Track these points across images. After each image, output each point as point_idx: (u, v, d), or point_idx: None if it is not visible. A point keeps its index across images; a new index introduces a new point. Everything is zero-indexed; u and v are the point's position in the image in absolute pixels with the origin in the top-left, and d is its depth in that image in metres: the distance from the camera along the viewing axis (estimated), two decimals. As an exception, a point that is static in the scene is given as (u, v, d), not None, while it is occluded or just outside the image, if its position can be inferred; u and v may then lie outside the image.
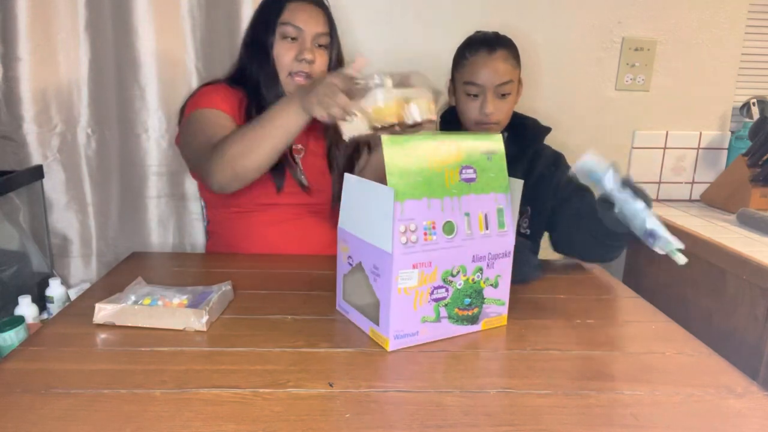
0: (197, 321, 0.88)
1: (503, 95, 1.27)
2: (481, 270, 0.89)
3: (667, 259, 0.97)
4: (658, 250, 0.93)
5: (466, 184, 0.86)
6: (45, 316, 1.43)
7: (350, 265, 0.93)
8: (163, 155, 1.61)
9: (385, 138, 0.81)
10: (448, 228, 0.84)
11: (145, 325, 0.88)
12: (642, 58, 1.74)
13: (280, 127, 1.04)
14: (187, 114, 1.26)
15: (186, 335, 0.87)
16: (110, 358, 0.81)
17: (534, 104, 1.69)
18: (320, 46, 1.26)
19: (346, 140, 0.98)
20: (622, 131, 1.79)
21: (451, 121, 1.39)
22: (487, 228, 0.88)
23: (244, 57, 1.30)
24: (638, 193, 0.95)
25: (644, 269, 1.65)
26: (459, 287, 0.87)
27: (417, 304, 0.84)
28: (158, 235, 1.65)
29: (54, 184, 1.60)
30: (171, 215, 1.65)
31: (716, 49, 1.76)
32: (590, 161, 0.96)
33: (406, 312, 0.84)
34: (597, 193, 1.00)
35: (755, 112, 1.75)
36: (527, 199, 1.20)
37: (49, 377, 0.74)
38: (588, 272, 1.22)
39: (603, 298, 1.10)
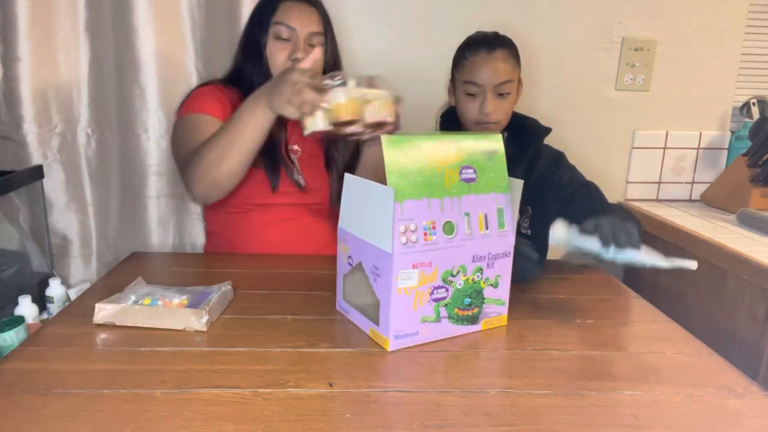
0: (197, 321, 0.88)
1: (503, 95, 1.27)
2: (481, 270, 0.89)
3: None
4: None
5: (466, 184, 0.86)
6: (45, 316, 1.43)
7: (350, 265, 0.93)
8: (163, 155, 1.60)
9: (385, 138, 0.81)
10: (448, 228, 0.84)
11: (145, 325, 0.88)
12: (642, 58, 1.74)
13: (249, 128, 1.06)
14: (177, 117, 1.27)
15: (186, 335, 0.87)
16: (110, 358, 0.81)
17: (534, 104, 1.69)
18: (314, 45, 1.25)
19: (306, 135, 1.01)
20: (622, 131, 1.79)
21: (451, 122, 1.39)
22: (487, 228, 0.88)
23: (240, 57, 1.31)
24: (624, 241, 0.92)
25: (643, 269, 1.65)
26: (459, 287, 0.87)
27: (417, 304, 0.84)
28: (158, 235, 1.65)
29: (54, 184, 1.60)
30: (171, 215, 1.65)
31: (716, 49, 1.76)
32: (559, 236, 0.96)
33: (406, 312, 0.84)
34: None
35: (755, 112, 1.75)
36: (528, 199, 1.20)
37: (49, 377, 0.74)
38: (588, 272, 1.22)
39: (603, 298, 1.10)
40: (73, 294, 1.48)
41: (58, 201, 1.61)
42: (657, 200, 1.85)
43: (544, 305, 1.04)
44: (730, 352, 0.94)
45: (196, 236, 1.66)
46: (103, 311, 0.89)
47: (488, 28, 1.33)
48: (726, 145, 1.83)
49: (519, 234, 0.95)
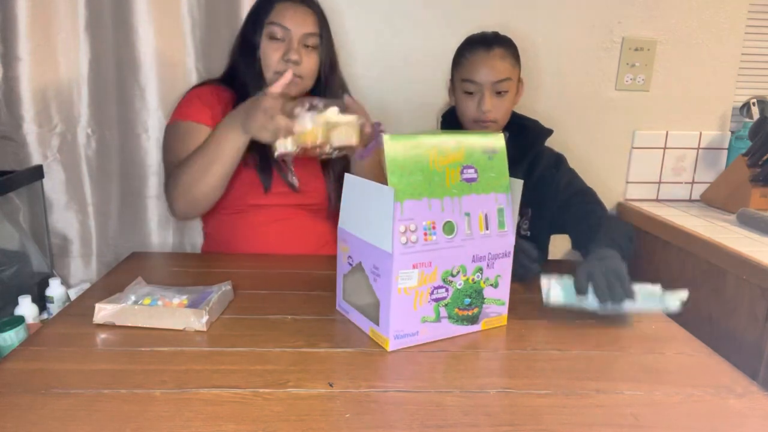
0: (197, 321, 0.88)
1: (501, 93, 1.27)
2: (481, 270, 0.89)
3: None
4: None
5: (466, 184, 0.86)
6: (45, 316, 1.43)
7: (350, 265, 0.93)
8: (163, 155, 1.60)
9: (386, 137, 0.81)
10: (448, 228, 0.84)
11: (145, 325, 0.88)
12: (642, 58, 1.74)
13: (225, 151, 1.10)
14: (168, 122, 1.29)
15: (186, 335, 0.87)
16: (110, 358, 0.81)
17: (534, 104, 1.69)
18: (308, 46, 1.25)
19: (276, 156, 1.06)
20: (622, 131, 1.79)
21: (451, 122, 1.39)
22: (487, 228, 0.88)
23: (234, 56, 1.31)
24: (620, 295, 0.93)
25: (644, 269, 1.65)
26: (459, 287, 0.87)
27: (417, 304, 0.84)
28: (158, 235, 1.64)
29: (54, 184, 1.60)
30: (171, 215, 1.65)
31: (716, 49, 1.76)
32: (555, 296, 0.97)
33: (406, 312, 0.84)
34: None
35: (755, 112, 1.75)
36: (528, 201, 1.21)
37: (49, 377, 0.74)
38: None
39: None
40: (73, 294, 1.48)
41: (58, 201, 1.61)
42: (657, 200, 1.85)
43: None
44: (730, 352, 0.94)
45: (196, 236, 1.66)
46: (103, 311, 0.89)
47: (488, 28, 1.33)
48: (726, 145, 1.83)
49: (518, 236, 0.95)
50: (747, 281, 1.26)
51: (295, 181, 1.29)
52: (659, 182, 1.84)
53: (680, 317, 0.99)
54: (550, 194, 1.31)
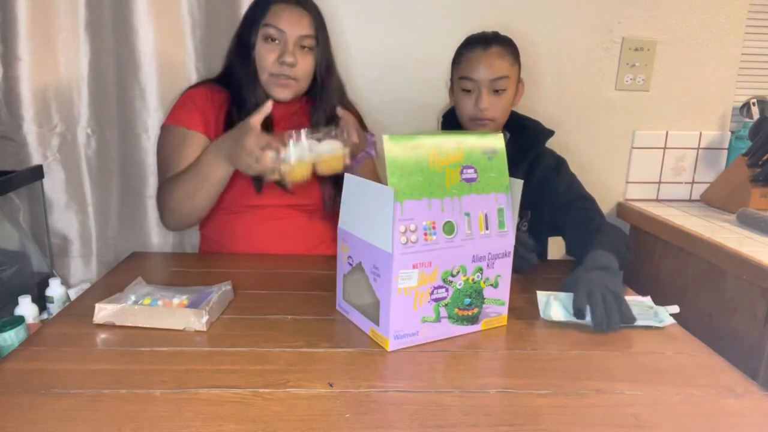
0: (197, 321, 0.88)
1: (498, 91, 1.27)
2: (481, 270, 0.89)
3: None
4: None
5: (466, 184, 0.86)
6: (45, 316, 1.43)
7: (350, 265, 0.93)
8: (163, 155, 1.60)
9: (386, 137, 0.81)
10: (448, 228, 0.84)
11: (145, 325, 0.88)
12: (642, 58, 1.74)
13: (211, 179, 1.14)
14: (164, 122, 1.29)
15: (186, 335, 0.87)
16: (110, 358, 0.81)
17: (534, 104, 1.69)
18: (304, 47, 1.25)
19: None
20: (622, 131, 1.79)
21: (452, 122, 1.39)
22: (487, 228, 0.88)
23: (231, 57, 1.31)
24: (617, 320, 0.93)
25: (644, 269, 1.65)
26: (459, 287, 0.87)
27: (417, 304, 0.84)
28: (158, 235, 1.65)
29: (54, 184, 1.60)
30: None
31: (716, 49, 1.76)
32: (554, 315, 0.97)
33: (406, 312, 0.84)
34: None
35: (755, 112, 1.75)
36: (527, 202, 1.21)
37: (49, 377, 0.74)
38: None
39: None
40: (73, 294, 1.48)
41: (58, 201, 1.61)
42: (657, 200, 1.85)
43: (544, 305, 1.03)
44: (730, 352, 0.94)
45: (196, 236, 1.65)
46: (103, 311, 0.89)
47: (488, 28, 1.33)
48: (726, 145, 1.82)
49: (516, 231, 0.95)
50: (747, 281, 1.26)
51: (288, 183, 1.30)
52: (659, 182, 1.84)
53: (680, 317, 0.99)
54: (550, 197, 1.31)
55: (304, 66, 1.25)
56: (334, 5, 1.59)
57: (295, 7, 1.23)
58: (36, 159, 1.56)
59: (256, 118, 1.05)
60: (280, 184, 1.28)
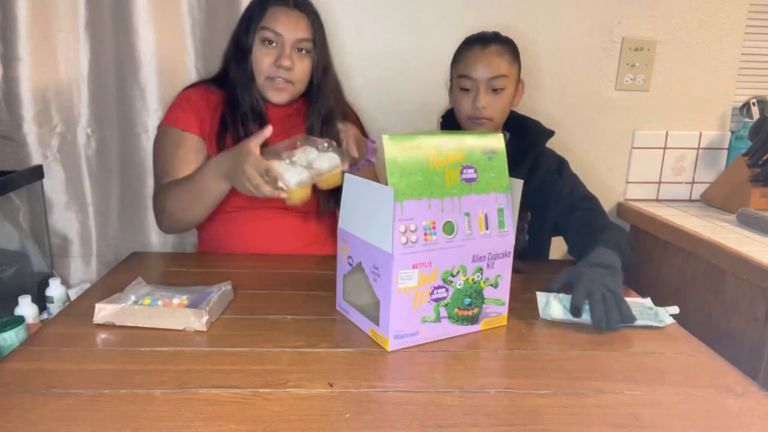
0: (197, 321, 0.88)
1: (497, 90, 1.26)
2: (481, 270, 0.89)
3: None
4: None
5: (466, 184, 0.86)
6: (45, 316, 1.43)
7: (350, 265, 0.93)
8: (163, 155, 1.60)
9: (386, 137, 0.81)
10: (448, 228, 0.84)
11: (145, 325, 0.88)
12: (642, 58, 1.74)
13: (209, 193, 1.16)
14: (160, 123, 1.30)
15: (186, 335, 0.87)
16: (110, 358, 0.81)
17: (534, 104, 1.69)
18: (302, 51, 1.24)
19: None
20: (622, 131, 1.79)
21: (451, 122, 1.39)
22: (487, 228, 0.88)
23: (227, 58, 1.30)
24: (616, 320, 0.93)
25: (644, 269, 1.65)
26: (459, 287, 0.87)
27: (417, 304, 0.84)
28: (158, 235, 1.65)
29: (54, 184, 1.60)
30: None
31: (716, 49, 1.76)
32: (554, 313, 0.97)
33: (406, 312, 0.84)
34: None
35: (755, 112, 1.75)
36: (528, 204, 1.20)
37: (49, 377, 0.74)
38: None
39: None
40: (73, 294, 1.48)
41: (58, 201, 1.61)
42: (657, 200, 1.85)
43: (544, 305, 1.03)
44: (730, 352, 0.94)
45: (196, 236, 1.66)
46: (103, 311, 0.89)
47: (488, 28, 1.33)
48: (726, 145, 1.82)
49: (517, 239, 0.95)
50: (747, 281, 1.26)
51: None
52: (659, 182, 1.84)
53: (680, 317, 0.99)
54: (552, 199, 1.31)
55: (300, 69, 1.25)
56: (334, 5, 1.59)
57: (292, 10, 1.23)
58: (36, 159, 1.56)
59: (254, 142, 1.04)
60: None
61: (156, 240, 1.65)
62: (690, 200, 1.86)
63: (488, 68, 1.24)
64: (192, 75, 1.57)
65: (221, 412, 0.67)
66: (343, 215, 0.94)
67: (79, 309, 0.94)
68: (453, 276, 0.86)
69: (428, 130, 1.60)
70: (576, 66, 1.73)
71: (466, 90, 1.27)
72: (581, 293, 0.94)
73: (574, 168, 1.38)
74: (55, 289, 1.44)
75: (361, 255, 0.89)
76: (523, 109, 1.42)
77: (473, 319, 0.91)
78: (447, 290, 0.86)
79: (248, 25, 1.24)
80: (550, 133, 1.38)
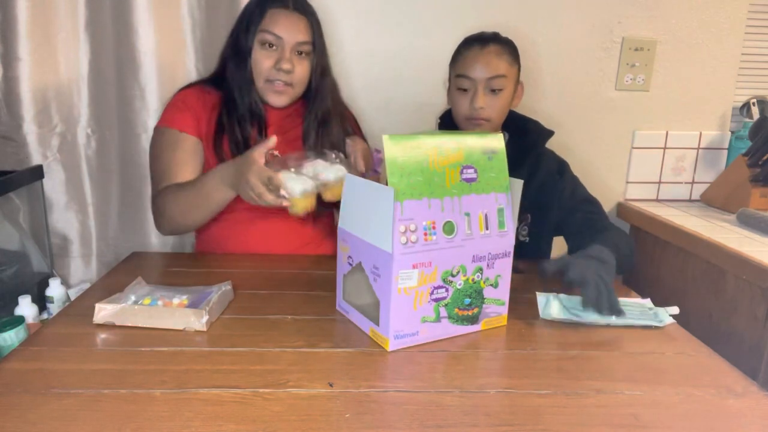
0: (197, 321, 0.88)
1: (495, 91, 1.25)
2: (481, 270, 0.89)
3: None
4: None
5: (466, 184, 0.86)
6: (45, 316, 1.43)
7: (350, 265, 0.93)
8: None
9: (386, 137, 0.81)
10: (448, 228, 0.84)
11: (145, 325, 0.88)
12: (642, 58, 1.74)
13: (212, 201, 1.16)
14: (157, 124, 1.29)
15: (186, 335, 0.87)
16: (110, 358, 0.81)
17: (534, 104, 1.69)
18: (301, 54, 1.24)
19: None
20: (622, 131, 1.79)
21: (449, 123, 1.39)
22: (487, 228, 0.88)
23: (224, 59, 1.30)
24: (606, 309, 0.96)
25: (644, 269, 1.65)
26: (459, 287, 0.87)
27: (417, 304, 0.84)
28: (158, 235, 1.64)
29: (54, 184, 1.60)
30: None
31: (716, 49, 1.76)
32: (553, 312, 0.98)
33: (406, 312, 0.84)
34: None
35: (755, 112, 1.75)
36: (528, 206, 1.20)
37: (49, 377, 0.74)
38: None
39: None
40: (73, 294, 1.48)
41: (58, 201, 1.61)
42: (657, 200, 1.85)
43: (544, 305, 1.03)
44: (730, 352, 0.94)
45: (194, 236, 1.66)
46: (103, 311, 0.89)
47: (488, 28, 1.33)
48: (726, 145, 1.82)
49: (517, 241, 0.95)
50: (747, 281, 1.26)
51: None
52: (659, 182, 1.84)
53: (680, 317, 0.99)
54: (553, 202, 1.31)
55: (300, 72, 1.25)
56: (333, 6, 1.59)
57: (292, 12, 1.22)
58: (36, 159, 1.56)
59: (258, 152, 1.04)
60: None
61: (156, 240, 1.65)
62: (690, 200, 1.86)
63: (486, 68, 1.24)
64: (192, 75, 1.57)
65: (221, 412, 0.67)
66: (343, 215, 0.94)
67: (79, 309, 0.94)
68: (453, 276, 0.86)
69: (428, 130, 1.60)
70: (576, 66, 1.73)
71: (464, 90, 1.27)
72: (575, 276, 0.96)
73: (574, 168, 1.38)
74: (55, 289, 1.44)
75: (361, 255, 0.89)
76: (523, 109, 1.42)
77: (473, 319, 0.91)
78: (447, 290, 0.86)
79: (247, 27, 1.23)
80: (550, 134, 1.38)
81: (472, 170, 0.87)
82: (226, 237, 1.30)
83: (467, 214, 0.86)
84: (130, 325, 0.89)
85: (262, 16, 1.21)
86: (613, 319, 0.95)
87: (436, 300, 0.86)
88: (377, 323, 0.86)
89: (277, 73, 1.22)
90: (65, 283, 1.61)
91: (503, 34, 1.31)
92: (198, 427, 0.64)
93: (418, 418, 0.68)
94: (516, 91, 1.32)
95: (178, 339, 0.86)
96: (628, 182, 1.83)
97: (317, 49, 1.27)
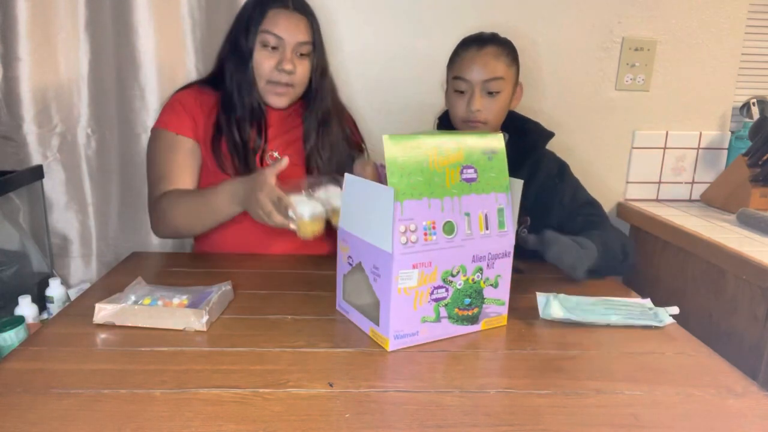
0: (197, 321, 0.88)
1: (492, 93, 1.24)
2: (481, 270, 0.89)
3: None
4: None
5: (466, 184, 0.86)
6: (45, 316, 1.43)
7: (350, 265, 0.93)
8: (163, 155, 1.60)
9: (386, 137, 0.81)
10: (448, 228, 0.84)
11: (145, 325, 0.88)
12: (642, 58, 1.74)
13: (219, 214, 1.16)
14: (153, 126, 1.29)
15: (186, 335, 0.87)
16: (110, 358, 0.81)
17: (534, 105, 1.69)
18: (302, 54, 1.24)
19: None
20: (622, 131, 1.79)
21: (447, 125, 1.38)
22: (487, 228, 0.88)
23: (223, 60, 1.29)
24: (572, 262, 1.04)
25: (644, 269, 1.65)
26: (459, 287, 0.87)
27: (417, 304, 0.84)
28: (158, 236, 1.65)
29: (54, 184, 1.60)
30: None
31: (716, 49, 1.76)
32: (554, 313, 0.98)
33: (406, 312, 0.84)
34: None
35: (755, 112, 1.75)
36: (528, 208, 1.20)
37: (49, 377, 0.74)
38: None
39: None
40: (73, 294, 1.48)
41: (58, 201, 1.61)
42: (657, 200, 1.85)
43: (544, 305, 1.03)
44: (730, 352, 0.94)
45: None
46: (103, 311, 0.89)
47: (488, 28, 1.32)
48: (726, 145, 1.82)
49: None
50: (747, 281, 1.26)
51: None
52: (659, 182, 1.84)
53: (680, 317, 0.99)
54: (553, 205, 1.30)
55: (301, 72, 1.24)
56: (333, 6, 1.59)
57: (292, 13, 1.22)
58: (36, 159, 1.56)
59: (271, 173, 1.04)
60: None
61: (156, 240, 1.64)
62: (690, 200, 1.86)
63: (484, 70, 1.23)
64: (192, 75, 1.57)
65: (221, 412, 0.67)
66: (344, 215, 0.94)
67: (79, 309, 0.94)
68: (453, 276, 0.86)
69: (428, 130, 1.60)
70: (576, 66, 1.73)
71: (461, 92, 1.25)
72: (553, 243, 1.05)
73: (574, 168, 1.38)
74: (55, 289, 1.44)
75: (361, 255, 0.89)
76: (522, 110, 1.42)
77: (473, 319, 0.91)
78: (447, 290, 0.86)
79: (247, 28, 1.22)
80: (550, 135, 1.37)
81: (472, 170, 0.87)
82: (226, 237, 1.29)
83: (467, 214, 0.86)
84: (130, 325, 0.89)
85: (262, 16, 1.21)
86: (613, 319, 0.95)
87: (436, 300, 0.86)
88: (377, 323, 0.86)
89: (278, 73, 1.22)
90: (65, 283, 1.61)
91: (503, 34, 1.31)
92: (198, 427, 0.64)
93: (418, 418, 0.68)
94: (515, 92, 1.31)
95: (178, 339, 0.86)
96: (628, 182, 1.83)
97: (317, 49, 1.27)
